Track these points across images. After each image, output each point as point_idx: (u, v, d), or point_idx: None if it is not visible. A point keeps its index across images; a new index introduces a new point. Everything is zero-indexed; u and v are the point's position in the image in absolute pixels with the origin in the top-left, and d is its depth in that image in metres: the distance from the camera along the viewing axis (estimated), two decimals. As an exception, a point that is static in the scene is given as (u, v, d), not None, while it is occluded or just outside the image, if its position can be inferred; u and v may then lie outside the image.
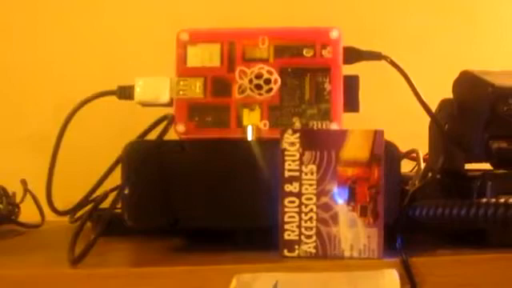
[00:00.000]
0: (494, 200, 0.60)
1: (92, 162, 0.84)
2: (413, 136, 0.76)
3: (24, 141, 1.02)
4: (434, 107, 0.73)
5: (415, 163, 0.83)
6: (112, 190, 0.77)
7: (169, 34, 0.70)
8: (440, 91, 0.74)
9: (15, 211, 0.87)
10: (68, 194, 0.81)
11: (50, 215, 0.86)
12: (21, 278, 0.57)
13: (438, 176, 0.72)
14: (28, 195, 0.90)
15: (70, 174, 0.86)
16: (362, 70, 0.71)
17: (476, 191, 0.66)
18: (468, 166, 0.72)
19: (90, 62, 1.05)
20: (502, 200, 0.60)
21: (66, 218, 0.85)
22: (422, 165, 0.80)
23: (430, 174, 0.73)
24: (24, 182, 0.91)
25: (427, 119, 0.74)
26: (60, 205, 0.82)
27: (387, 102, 1.01)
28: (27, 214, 0.89)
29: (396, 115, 0.99)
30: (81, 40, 1.06)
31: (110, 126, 0.99)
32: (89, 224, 0.70)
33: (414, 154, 0.82)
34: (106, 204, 0.71)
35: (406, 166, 0.79)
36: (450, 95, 0.74)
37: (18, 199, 0.89)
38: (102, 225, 0.60)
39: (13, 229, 0.84)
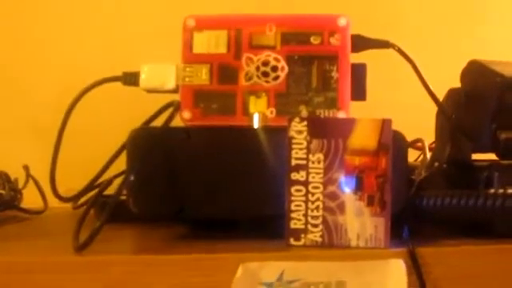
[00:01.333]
0: (501, 190, 0.60)
1: (96, 149, 0.83)
2: (418, 125, 0.76)
3: (27, 126, 1.02)
4: (441, 97, 0.73)
5: (420, 153, 0.83)
6: (116, 177, 0.77)
7: (175, 20, 0.69)
8: (447, 81, 0.73)
9: (17, 197, 0.87)
10: (71, 181, 0.80)
11: (52, 201, 0.85)
12: (25, 264, 0.57)
13: (445, 166, 0.72)
14: (30, 181, 0.90)
15: (74, 160, 0.85)
16: (369, 58, 0.70)
17: (483, 182, 0.66)
18: (475, 157, 0.72)
19: (95, 48, 1.04)
20: (510, 191, 0.60)
21: (68, 205, 0.85)
22: (428, 154, 0.80)
23: (436, 164, 0.73)
24: (26, 168, 0.90)
25: (434, 109, 0.74)
26: (63, 191, 0.81)
27: (394, 91, 1.00)
28: (30, 199, 0.89)
29: (402, 104, 0.98)
30: (86, 26, 1.05)
31: (115, 113, 0.99)
32: (92, 210, 0.70)
33: (420, 144, 0.82)
34: (110, 190, 0.71)
35: (411, 156, 0.78)
36: (457, 85, 0.73)
37: (20, 185, 0.89)
38: (107, 212, 0.60)
39: (15, 215, 0.84)
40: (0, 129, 1.02)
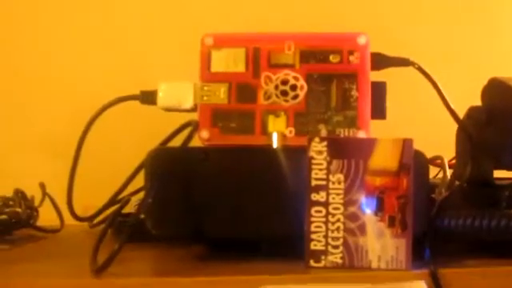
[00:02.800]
0: (525, 211, 0.60)
1: (113, 167, 0.83)
2: (438, 142, 0.75)
3: (43, 144, 1.02)
4: (461, 115, 0.72)
5: (439, 169, 0.82)
6: (133, 194, 0.77)
7: (193, 38, 0.69)
8: (468, 98, 0.72)
9: (34, 215, 0.86)
10: (88, 199, 0.81)
11: (68, 219, 0.85)
12: (43, 287, 0.57)
13: (466, 185, 0.71)
14: (46, 199, 0.89)
15: (91, 178, 0.85)
16: (388, 76, 0.70)
17: (505, 201, 0.65)
18: (496, 174, 0.71)
19: (113, 65, 1.04)
20: (534, 212, 0.59)
21: (85, 223, 0.84)
22: (448, 171, 0.79)
23: (457, 183, 0.72)
24: (43, 186, 0.90)
25: (453, 126, 0.73)
26: (79, 209, 0.82)
27: (413, 109, 1.00)
28: (45, 217, 0.88)
29: (422, 121, 0.97)
30: (104, 43, 1.05)
31: (133, 131, 0.99)
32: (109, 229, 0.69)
33: (439, 161, 0.81)
34: (127, 209, 0.71)
35: (430, 173, 0.78)
36: (478, 102, 0.73)
37: (36, 203, 0.88)
38: (125, 233, 0.59)
39: (32, 233, 0.84)
40: (16, 146, 1.02)
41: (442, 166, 0.80)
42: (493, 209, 0.63)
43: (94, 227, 0.84)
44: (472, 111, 0.73)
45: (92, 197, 0.81)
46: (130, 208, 0.72)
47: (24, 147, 1.02)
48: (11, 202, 0.83)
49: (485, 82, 0.72)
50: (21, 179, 0.89)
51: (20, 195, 0.85)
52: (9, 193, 0.85)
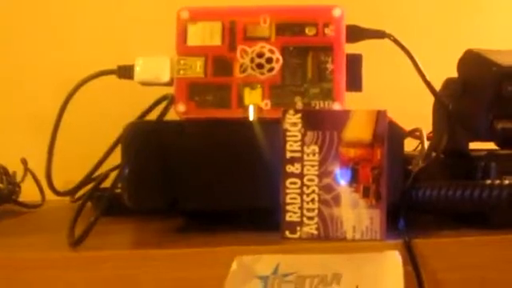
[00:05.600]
0: (498, 181, 0.60)
1: (92, 142, 0.83)
2: (417, 115, 0.75)
3: (24, 120, 1.02)
4: (438, 86, 0.72)
5: (419, 142, 0.83)
6: (112, 170, 0.77)
7: (169, 12, 0.69)
8: (445, 70, 0.73)
9: (16, 190, 0.87)
10: (68, 175, 0.81)
11: (50, 194, 0.85)
12: (21, 261, 0.57)
13: (442, 156, 0.72)
14: (29, 174, 0.90)
15: (71, 153, 0.85)
16: (364, 48, 0.70)
17: (480, 172, 0.66)
18: (472, 146, 0.71)
19: (90, 41, 1.04)
20: (507, 181, 0.59)
21: (66, 198, 0.85)
22: (426, 144, 0.80)
23: (433, 154, 0.73)
24: (24, 161, 0.90)
25: (431, 99, 0.73)
26: (60, 185, 0.82)
27: (391, 82, 1.00)
28: (28, 193, 0.89)
29: (400, 94, 0.98)
30: (80, 20, 1.05)
31: (111, 106, 0.99)
32: (89, 203, 0.70)
33: (418, 133, 0.82)
34: (106, 184, 0.71)
35: (410, 145, 0.78)
36: (454, 74, 0.73)
37: (18, 178, 0.89)
38: (101, 206, 0.60)
39: (13, 209, 0.84)
40: (-3, 123, 1.02)
41: (420, 138, 0.81)
42: (467, 179, 0.64)
43: (76, 202, 0.84)
44: (448, 83, 0.73)
45: (72, 171, 0.81)
46: (109, 182, 0.72)
47: (6, 124, 1.03)
48: (-7, 178, 0.84)
49: (461, 54, 0.72)
50: (2, 155, 0.90)
51: (2, 171, 0.86)
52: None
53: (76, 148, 0.94)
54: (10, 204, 0.84)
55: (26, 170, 0.90)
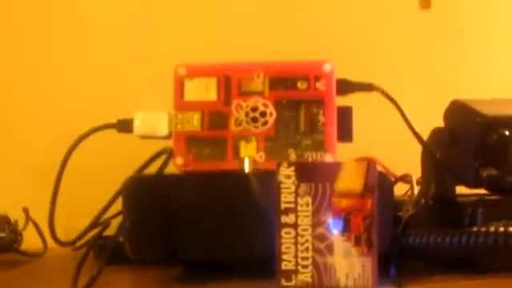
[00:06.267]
0: (483, 229, 0.62)
1: (92, 193, 0.85)
2: (406, 162, 0.77)
3: (25, 170, 1.03)
4: (425, 135, 0.75)
5: (409, 187, 0.85)
6: (113, 218, 0.79)
7: (167, 69, 0.72)
8: (431, 120, 0.75)
9: (18, 239, 0.88)
10: (70, 222, 0.82)
11: (52, 242, 0.87)
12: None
13: (431, 202, 0.74)
14: (30, 223, 0.91)
15: (72, 204, 0.87)
16: (354, 100, 0.73)
17: (467, 218, 0.68)
18: (460, 190, 0.74)
19: (90, 95, 1.06)
20: (492, 229, 0.62)
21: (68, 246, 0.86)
22: (416, 189, 0.82)
23: (422, 201, 0.75)
24: (26, 210, 0.91)
25: (419, 146, 0.76)
26: (61, 233, 0.83)
27: (380, 131, 1.02)
28: (29, 241, 0.90)
29: (389, 143, 1.00)
30: (81, 74, 1.07)
31: (111, 158, 1.01)
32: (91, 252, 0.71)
33: (408, 178, 0.84)
34: (108, 232, 0.73)
35: (401, 189, 0.80)
36: (441, 124, 0.75)
37: (20, 227, 0.90)
38: (103, 257, 0.62)
39: (15, 258, 0.85)
40: (-1, 172, 1.04)
41: (410, 183, 0.83)
42: (456, 226, 0.66)
43: (77, 250, 0.86)
44: (435, 132, 0.76)
45: (74, 221, 0.83)
46: (111, 231, 0.74)
47: (7, 173, 1.04)
48: (-5, 227, 0.85)
49: (447, 104, 0.75)
50: (4, 204, 0.91)
51: (4, 219, 0.87)
52: (-8, 218, 0.86)
53: (77, 198, 0.95)
54: (12, 253, 0.85)
55: (28, 218, 0.91)
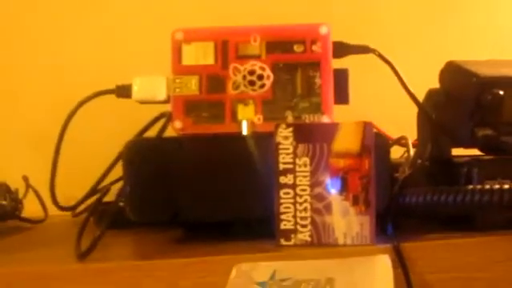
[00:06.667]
0: (479, 186, 0.63)
1: (93, 158, 0.86)
2: (402, 124, 0.78)
3: (24, 138, 1.04)
4: (421, 97, 0.76)
5: (405, 149, 0.86)
6: (113, 183, 0.80)
7: (164, 34, 0.72)
8: (427, 81, 0.76)
9: (18, 207, 0.89)
10: (70, 189, 0.83)
11: (52, 210, 0.88)
12: (30, 274, 0.59)
13: (427, 163, 0.75)
14: (30, 191, 0.92)
15: (72, 169, 0.88)
16: (350, 62, 0.73)
17: (463, 177, 0.69)
18: (455, 151, 0.74)
19: (89, 61, 1.07)
20: (488, 186, 0.63)
21: (68, 213, 0.87)
22: (412, 151, 0.83)
23: (419, 161, 0.76)
24: (26, 178, 0.93)
25: (415, 108, 0.77)
26: (62, 199, 0.84)
27: (376, 93, 1.03)
28: (29, 209, 0.91)
29: (385, 105, 1.01)
30: (80, 41, 1.08)
31: (110, 123, 1.01)
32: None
33: (404, 141, 0.85)
34: (107, 197, 0.74)
35: (397, 152, 0.81)
36: (436, 85, 0.76)
37: (20, 195, 0.91)
38: (107, 220, 0.62)
39: (17, 225, 0.86)
40: (-1, 141, 1.05)
41: (406, 146, 0.84)
42: (451, 185, 0.66)
43: (77, 216, 0.87)
44: (431, 93, 0.76)
45: (73, 187, 0.84)
46: (110, 197, 0.75)
47: (6, 141, 1.05)
48: (-4, 195, 0.86)
49: (442, 66, 0.75)
50: (4, 172, 0.92)
51: (4, 188, 0.87)
52: (-7, 187, 0.87)
53: (77, 164, 0.96)
54: (13, 220, 0.86)
55: (28, 186, 0.92)
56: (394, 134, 0.79)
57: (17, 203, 0.88)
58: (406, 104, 0.75)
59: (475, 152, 0.73)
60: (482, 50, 1.09)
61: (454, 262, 0.63)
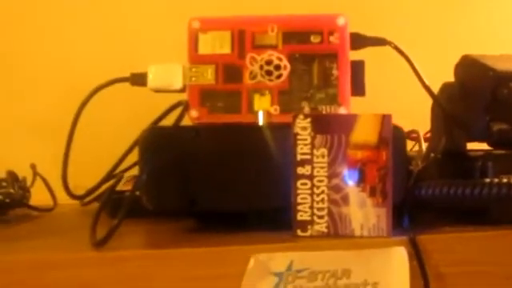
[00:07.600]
0: (496, 180, 0.63)
1: (104, 147, 0.86)
2: (413, 117, 0.78)
3: (32, 126, 1.03)
4: (436, 90, 0.75)
5: (415, 143, 0.86)
6: (125, 171, 0.79)
7: (181, 22, 0.72)
8: (442, 74, 0.76)
9: (26, 195, 0.88)
10: (79, 179, 0.83)
11: (61, 198, 0.88)
12: (47, 261, 0.59)
13: (440, 156, 0.75)
14: (37, 179, 0.92)
15: (82, 158, 0.87)
16: (366, 54, 0.73)
17: (478, 171, 0.69)
18: (468, 146, 0.75)
19: (103, 48, 1.06)
20: (505, 180, 0.63)
21: (76, 201, 0.87)
22: (423, 144, 0.83)
23: (432, 155, 0.76)
24: (33, 167, 0.92)
25: (428, 101, 0.76)
26: (72, 189, 0.84)
27: (391, 86, 1.03)
28: (37, 198, 0.90)
29: (400, 98, 1.01)
30: (94, 27, 1.07)
31: (124, 112, 1.01)
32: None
33: (415, 135, 0.85)
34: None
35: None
36: (451, 79, 0.76)
37: (27, 183, 0.90)
38: (124, 209, 0.62)
39: (26, 213, 0.86)
40: (6, 129, 1.04)
41: (417, 140, 0.84)
42: (466, 178, 0.66)
43: (86, 205, 0.87)
44: (446, 87, 0.76)
45: (83, 176, 0.83)
46: (120, 186, 0.75)
47: (14, 130, 1.04)
48: (4, 184, 0.85)
49: (457, 59, 0.75)
50: (11, 161, 0.91)
51: (12, 176, 0.87)
52: (1, 175, 0.86)
53: (88, 153, 0.95)
54: (22, 209, 0.86)
55: (36, 174, 0.92)
56: (405, 126, 0.79)
57: (24, 191, 0.88)
58: (418, 98, 0.75)
59: (485, 146, 0.72)
60: (497, 45, 1.09)
61: (470, 254, 0.63)
